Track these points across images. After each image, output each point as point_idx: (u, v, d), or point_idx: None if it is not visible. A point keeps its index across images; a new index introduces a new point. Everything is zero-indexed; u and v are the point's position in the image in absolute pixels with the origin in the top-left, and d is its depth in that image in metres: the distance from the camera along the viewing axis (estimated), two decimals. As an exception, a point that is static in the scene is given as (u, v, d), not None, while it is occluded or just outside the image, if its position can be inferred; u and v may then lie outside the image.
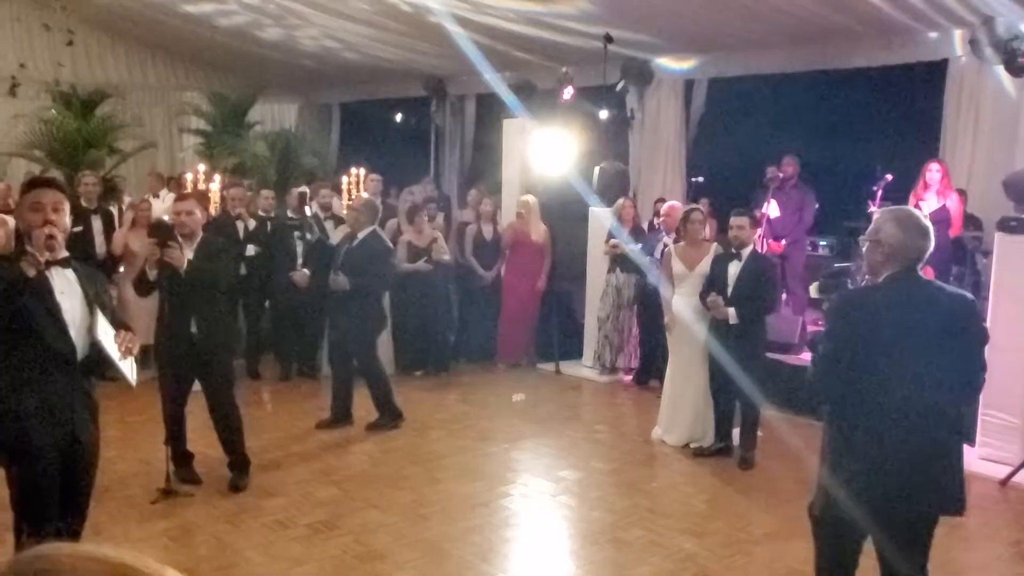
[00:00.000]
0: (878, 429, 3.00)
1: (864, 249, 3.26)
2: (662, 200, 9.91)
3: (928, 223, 3.14)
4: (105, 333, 3.40)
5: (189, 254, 5.04)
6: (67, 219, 3.46)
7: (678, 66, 10.29)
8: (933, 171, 7.77)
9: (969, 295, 3.26)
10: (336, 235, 8.08)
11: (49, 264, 3.32)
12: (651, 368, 7.98)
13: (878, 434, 3.00)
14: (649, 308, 7.76)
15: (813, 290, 3.46)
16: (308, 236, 8.00)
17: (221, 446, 5.34)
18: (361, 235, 6.51)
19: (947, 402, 3.09)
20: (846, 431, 3.11)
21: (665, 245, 7.49)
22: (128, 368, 3.50)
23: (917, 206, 7.83)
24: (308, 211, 8.56)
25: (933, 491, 3.06)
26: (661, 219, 7.92)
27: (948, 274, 8.12)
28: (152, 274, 4.94)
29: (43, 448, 3.32)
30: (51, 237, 3.29)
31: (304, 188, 9.31)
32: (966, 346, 3.09)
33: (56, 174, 7.80)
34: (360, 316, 6.48)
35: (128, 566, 0.92)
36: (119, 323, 3.61)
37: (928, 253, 3.11)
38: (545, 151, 8.93)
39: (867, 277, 3.34)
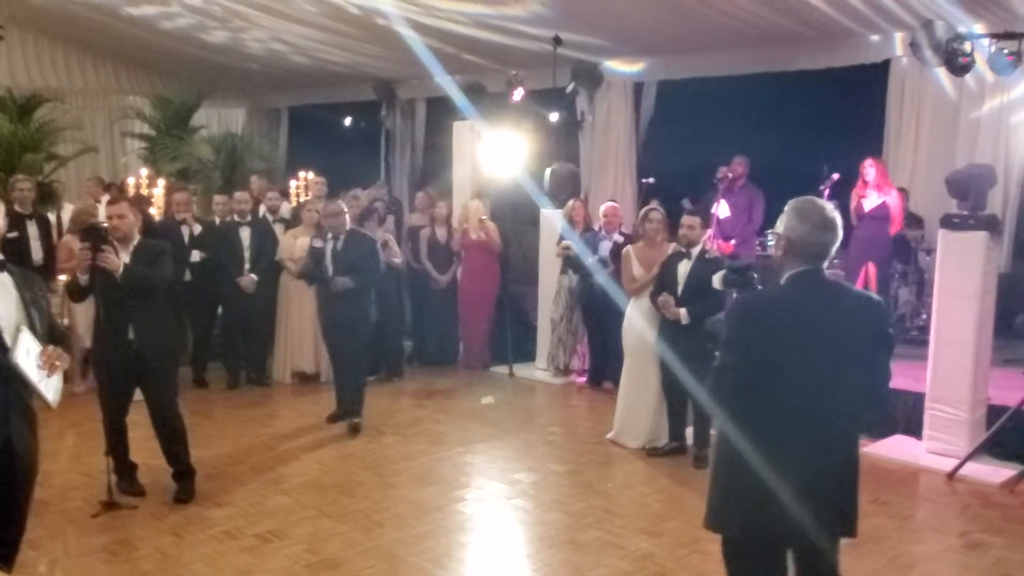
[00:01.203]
0: (779, 444, 2.77)
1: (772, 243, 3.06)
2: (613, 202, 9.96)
3: (835, 216, 2.84)
4: (27, 353, 3.19)
5: (125, 258, 4.90)
6: (1, 221, 3.32)
7: (627, 69, 10.36)
8: (867, 167, 7.97)
9: (876, 297, 3.01)
10: (284, 238, 7.98)
11: None
12: (604, 369, 7.99)
13: (779, 449, 2.77)
14: (597, 309, 7.76)
15: (716, 281, 3.20)
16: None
17: (164, 456, 5.19)
18: (343, 236, 6.57)
19: (852, 414, 2.89)
20: (742, 446, 2.80)
21: (615, 244, 7.50)
22: (51, 388, 3.29)
23: (859, 204, 8.00)
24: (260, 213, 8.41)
25: (834, 513, 2.85)
26: (602, 220, 7.92)
27: (890, 271, 8.30)
28: (83, 279, 4.80)
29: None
30: None
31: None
32: (872, 353, 2.86)
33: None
34: (361, 313, 6.57)
35: None
36: (54, 332, 3.45)
37: (834, 248, 2.84)
38: (496, 153, 8.90)
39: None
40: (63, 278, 7.20)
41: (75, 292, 4.95)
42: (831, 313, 2.81)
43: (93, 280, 4.78)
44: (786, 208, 2.91)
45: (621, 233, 7.76)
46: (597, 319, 7.84)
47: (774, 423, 2.78)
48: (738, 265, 3.12)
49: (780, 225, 2.88)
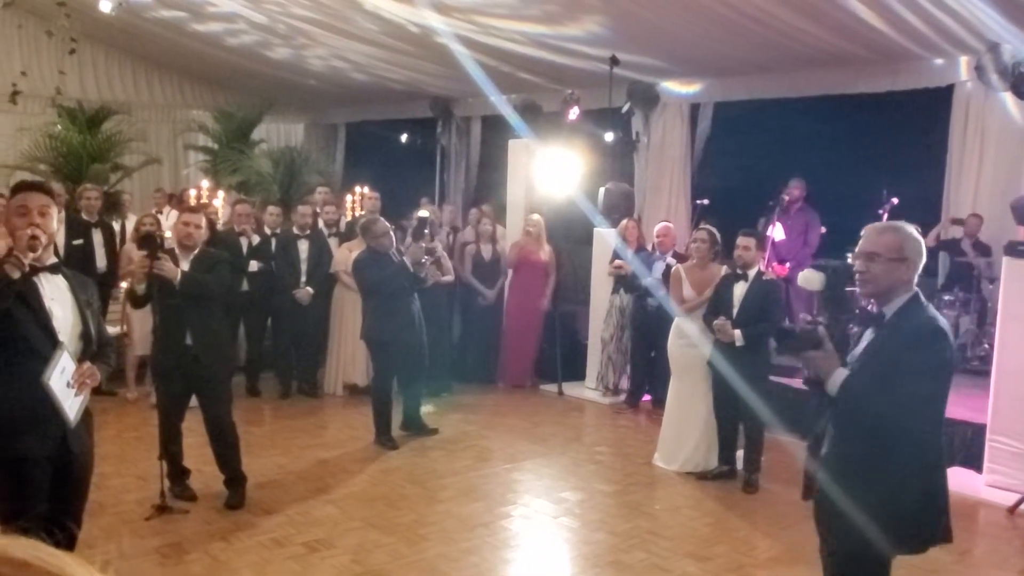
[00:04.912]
0: (930, 463, 2.97)
1: (877, 269, 2.87)
2: (667, 222, 9.89)
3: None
4: (61, 372, 3.22)
5: (185, 265, 5.03)
6: (54, 224, 3.38)
7: (684, 90, 10.31)
8: None
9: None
10: (339, 251, 8.07)
11: (36, 269, 3.26)
12: (643, 389, 8.02)
13: (924, 467, 2.97)
14: (649, 330, 7.71)
15: (773, 351, 3.10)
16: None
17: (217, 463, 5.28)
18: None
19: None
20: (900, 465, 2.93)
21: (669, 266, 7.44)
22: (75, 406, 3.30)
23: None
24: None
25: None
26: (656, 240, 7.87)
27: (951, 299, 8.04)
28: (140, 288, 4.94)
29: (33, 459, 3.24)
30: (34, 238, 3.19)
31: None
32: None
33: (57, 187, 7.79)
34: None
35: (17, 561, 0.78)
36: (101, 337, 3.52)
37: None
38: (550, 172, 8.92)
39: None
40: (124, 285, 7.42)
41: (134, 299, 5.09)
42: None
43: (151, 288, 4.91)
44: (901, 233, 2.90)
45: (675, 254, 7.71)
46: (648, 339, 7.78)
47: (929, 445, 2.94)
48: (789, 328, 3.08)
49: (902, 250, 2.87)
